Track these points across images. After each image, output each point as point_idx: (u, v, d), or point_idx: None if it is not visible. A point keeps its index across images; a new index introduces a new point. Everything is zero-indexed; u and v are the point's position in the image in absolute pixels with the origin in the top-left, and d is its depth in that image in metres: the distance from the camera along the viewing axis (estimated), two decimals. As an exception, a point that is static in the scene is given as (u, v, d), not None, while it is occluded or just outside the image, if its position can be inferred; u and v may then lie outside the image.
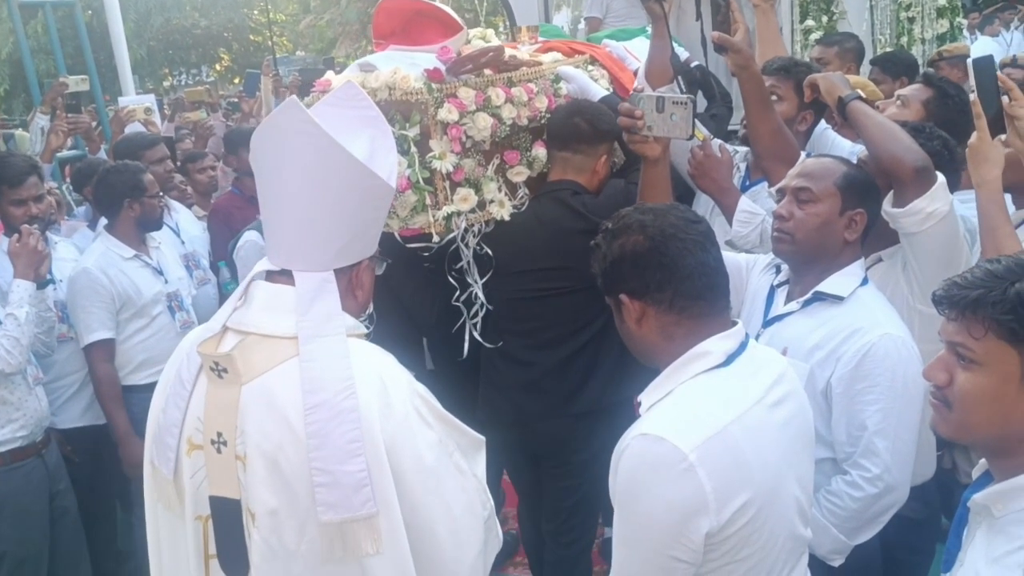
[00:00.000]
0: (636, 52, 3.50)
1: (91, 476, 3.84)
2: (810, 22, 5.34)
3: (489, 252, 2.93)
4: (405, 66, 2.82)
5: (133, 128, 5.86)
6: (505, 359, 3.08)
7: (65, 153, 5.55)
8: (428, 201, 2.81)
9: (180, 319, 3.95)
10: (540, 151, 3.03)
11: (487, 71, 2.89)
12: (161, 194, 4.08)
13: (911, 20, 5.50)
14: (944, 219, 2.38)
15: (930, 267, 2.41)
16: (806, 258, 2.35)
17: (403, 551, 1.75)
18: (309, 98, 2.87)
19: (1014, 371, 1.38)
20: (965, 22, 6.46)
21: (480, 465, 1.96)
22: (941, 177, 2.39)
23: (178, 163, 5.27)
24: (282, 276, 1.85)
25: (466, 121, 2.81)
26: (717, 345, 1.79)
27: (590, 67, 3.37)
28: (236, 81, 24.69)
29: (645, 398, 1.82)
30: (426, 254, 2.89)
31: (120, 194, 3.86)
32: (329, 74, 3.08)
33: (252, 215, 4.65)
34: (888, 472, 2.19)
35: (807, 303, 2.33)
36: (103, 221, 4.02)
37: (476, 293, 2.96)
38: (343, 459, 1.70)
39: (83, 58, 6.87)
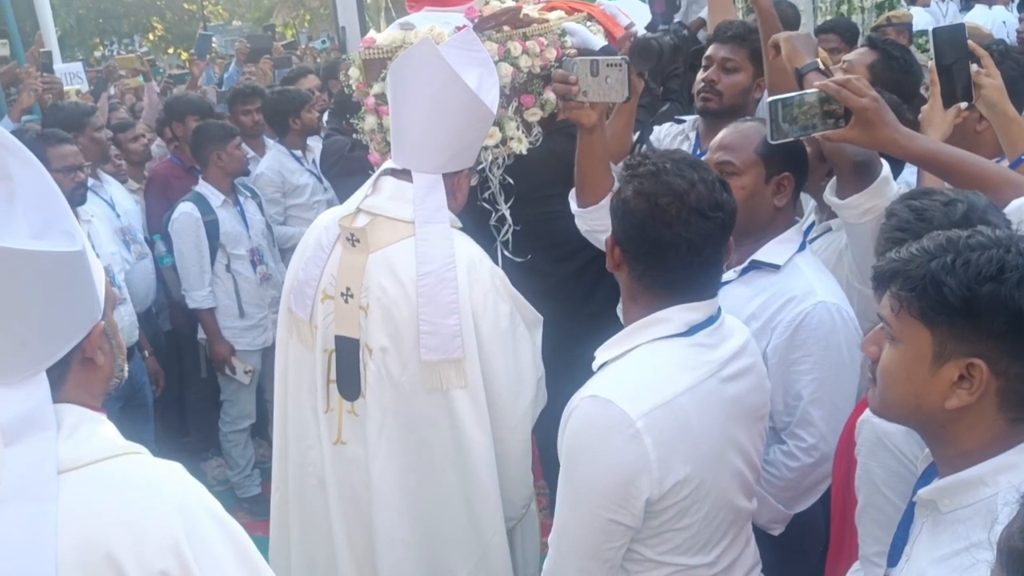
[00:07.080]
0: (627, 10, 3.97)
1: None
2: (753, -12, 5.30)
3: (511, 181, 3.38)
4: (439, 24, 3.27)
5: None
6: (529, 271, 3.45)
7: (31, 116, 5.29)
8: None
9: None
10: (550, 95, 3.39)
11: (506, 27, 3.34)
12: (85, 166, 3.89)
13: (851, -12, 5.52)
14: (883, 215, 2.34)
15: (866, 258, 2.31)
16: (739, 231, 2.27)
17: (479, 389, 2.37)
18: (353, 54, 3.67)
19: (925, 351, 1.30)
20: (903, -9, 6.52)
21: (538, 337, 2.57)
22: (885, 171, 2.29)
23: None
24: (402, 174, 2.42)
25: None
26: (679, 315, 1.78)
27: (588, 23, 3.83)
28: (170, 51, 24.08)
29: (601, 354, 1.82)
30: None
31: None
32: (372, 32, 3.56)
33: (190, 184, 4.52)
34: (824, 441, 2.17)
35: (744, 271, 2.30)
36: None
37: (505, 215, 3.42)
38: (444, 315, 2.31)
39: (7, 26, 6.62)
